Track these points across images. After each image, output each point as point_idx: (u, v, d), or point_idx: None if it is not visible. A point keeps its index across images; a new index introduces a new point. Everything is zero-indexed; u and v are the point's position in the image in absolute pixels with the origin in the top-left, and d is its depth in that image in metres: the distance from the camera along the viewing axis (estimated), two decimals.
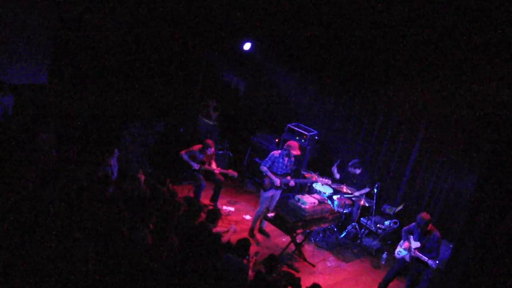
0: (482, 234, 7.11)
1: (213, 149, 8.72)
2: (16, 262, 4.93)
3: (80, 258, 5.20)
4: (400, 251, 7.39)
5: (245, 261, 6.13)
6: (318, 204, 7.95)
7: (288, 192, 9.64)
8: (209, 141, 8.72)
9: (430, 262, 7.01)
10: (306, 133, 10.03)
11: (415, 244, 7.20)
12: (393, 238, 9.10)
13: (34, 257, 5.05)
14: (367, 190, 9.04)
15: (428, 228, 7.13)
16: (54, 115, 9.05)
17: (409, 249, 7.24)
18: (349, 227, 9.19)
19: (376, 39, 9.24)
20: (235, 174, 8.91)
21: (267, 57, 10.99)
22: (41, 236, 5.36)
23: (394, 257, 7.60)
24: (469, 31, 7.92)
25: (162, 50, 10.24)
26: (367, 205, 8.92)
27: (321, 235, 9.00)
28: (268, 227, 8.58)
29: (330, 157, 10.19)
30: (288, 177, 8.34)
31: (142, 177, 7.44)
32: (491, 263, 6.92)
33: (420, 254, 7.10)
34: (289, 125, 10.31)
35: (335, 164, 9.41)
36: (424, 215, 7.11)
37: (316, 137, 10.24)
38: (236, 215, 9.13)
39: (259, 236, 8.63)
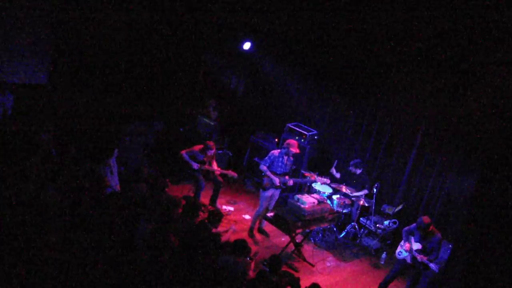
0: (482, 234, 7.11)
1: (214, 150, 8.74)
2: (17, 261, 4.94)
3: (81, 257, 5.21)
4: (401, 251, 7.39)
5: (247, 260, 6.14)
6: (317, 204, 7.95)
7: (288, 192, 9.65)
8: (210, 143, 8.72)
9: (432, 265, 7.01)
10: (305, 133, 10.03)
11: (416, 246, 7.20)
12: (393, 238, 9.11)
13: (35, 256, 5.05)
14: (365, 192, 9.04)
15: (429, 229, 7.13)
16: (54, 115, 9.05)
17: (410, 250, 7.24)
18: (349, 227, 9.19)
19: (377, 39, 9.25)
20: (235, 175, 8.92)
21: (267, 57, 10.99)
22: (42, 236, 5.37)
23: (394, 257, 7.60)
24: (469, 33, 7.94)
25: (162, 50, 10.25)
26: (366, 205, 8.93)
27: (320, 235, 9.01)
28: (267, 226, 8.58)
29: (330, 157, 10.20)
30: (287, 177, 8.34)
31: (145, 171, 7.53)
32: (490, 263, 6.92)
33: (422, 257, 7.09)
34: (288, 124, 10.31)
35: (334, 165, 9.42)
36: (425, 219, 7.10)
37: (316, 137, 10.25)
38: (236, 215, 9.13)
39: (258, 235, 8.63)
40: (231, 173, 8.88)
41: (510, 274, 6.70)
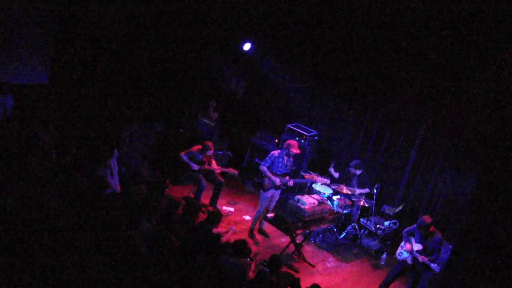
0: (482, 234, 7.11)
1: (212, 150, 8.73)
2: (16, 262, 4.93)
3: (81, 258, 5.20)
4: (402, 252, 7.38)
5: (247, 261, 6.14)
6: (317, 205, 7.94)
7: (288, 193, 9.65)
8: (209, 143, 8.71)
9: (433, 266, 7.00)
10: (306, 133, 10.03)
11: (417, 246, 7.19)
12: (393, 238, 9.10)
13: (34, 257, 5.05)
14: (366, 190, 9.05)
15: (430, 230, 7.13)
16: (54, 115, 9.05)
17: (411, 251, 7.24)
18: (349, 227, 9.19)
19: (377, 39, 9.25)
20: (236, 172, 8.90)
21: (267, 57, 10.99)
22: (41, 236, 5.36)
23: (395, 258, 7.59)
24: (469, 32, 7.94)
25: (162, 50, 10.25)
26: (366, 205, 8.92)
27: (320, 235, 9.00)
28: (267, 227, 8.57)
29: (330, 158, 10.19)
30: (287, 177, 8.34)
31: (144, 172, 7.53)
32: (491, 264, 6.92)
33: (423, 257, 7.08)
34: (289, 125, 10.31)
35: (332, 165, 9.42)
36: (426, 218, 7.09)
37: (316, 138, 10.24)
38: (236, 216, 9.13)
39: (258, 236, 8.62)
40: (231, 171, 8.87)
41: (510, 274, 6.71)
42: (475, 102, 8.18)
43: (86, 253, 5.30)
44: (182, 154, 8.67)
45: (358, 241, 9.11)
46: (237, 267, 5.95)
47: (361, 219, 9.16)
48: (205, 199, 8.87)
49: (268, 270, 6.09)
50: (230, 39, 10.70)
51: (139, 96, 10.18)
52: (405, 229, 7.50)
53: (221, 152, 10.27)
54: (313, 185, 9.19)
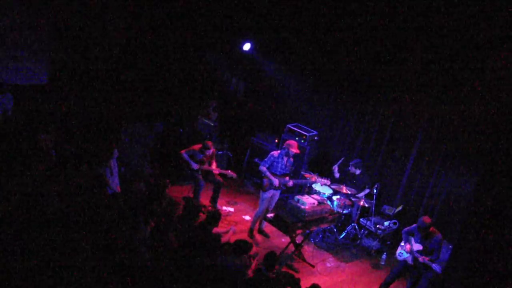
0: (482, 235, 7.10)
1: (212, 150, 8.74)
2: (16, 261, 4.93)
3: (79, 258, 5.21)
4: (402, 252, 7.38)
5: (248, 259, 6.15)
6: (317, 205, 7.94)
7: (288, 193, 9.65)
8: (209, 142, 8.73)
9: (434, 266, 7.00)
10: (305, 133, 10.03)
11: (417, 247, 7.19)
12: (393, 239, 9.10)
13: (35, 257, 5.05)
14: (366, 191, 9.06)
15: (430, 230, 7.13)
16: (54, 115, 9.05)
17: (411, 251, 7.24)
18: (349, 227, 9.19)
19: (377, 40, 9.26)
20: (234, 174, 8.91)
21: (267, 57, 10.99)
22: (41, 236, 5.37)
23: (394, 258, 7.59)
24: (469, 32, 7.94)
25: (162, 50, 10.25)
26: (366, 205, 8.92)
27: (320, 235, 9.00)
28: (267, 227, 8.58)
29: (330, 158, 10.19)
30: (287, 178, 8.34)
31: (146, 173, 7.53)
32: (491, 264, 6.91)
33: (424, 258, 7.07)
34: (288, 125, 10.31)
35: (338, 163, 9.35)
36: (426, 219, 7.10)
37: (316, 138, 10.25)
38: (236, 216, 9.13)
39: (258, 236, 8.62)
40: (230, 173, 8.87)
41: (510, 275, 6.70)
42: (474, 103, 8.17)
43: (86, 253, 5.30)
44: (183, 152, 8.69)
45: (358, 241, 9.11)
46: (237, 266, 5.96)
47: (361, 219, 9.16)
48: (205, 199, 8.87)
49: (264, 268, 6.10)
50: (230, 39, 10.70)
51: (139, 96, 10.19)
52: (404, 229, 7.51)
53: (221, 152, 10.27)
54: (313, 185, 9.19)
